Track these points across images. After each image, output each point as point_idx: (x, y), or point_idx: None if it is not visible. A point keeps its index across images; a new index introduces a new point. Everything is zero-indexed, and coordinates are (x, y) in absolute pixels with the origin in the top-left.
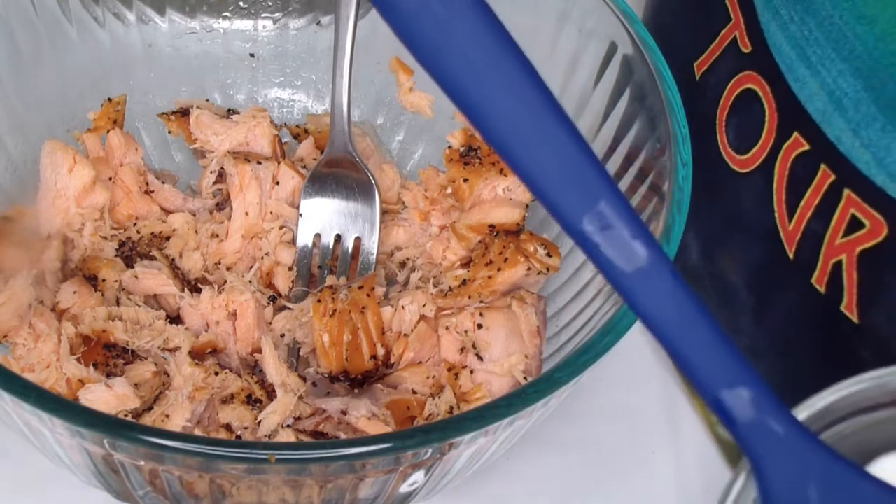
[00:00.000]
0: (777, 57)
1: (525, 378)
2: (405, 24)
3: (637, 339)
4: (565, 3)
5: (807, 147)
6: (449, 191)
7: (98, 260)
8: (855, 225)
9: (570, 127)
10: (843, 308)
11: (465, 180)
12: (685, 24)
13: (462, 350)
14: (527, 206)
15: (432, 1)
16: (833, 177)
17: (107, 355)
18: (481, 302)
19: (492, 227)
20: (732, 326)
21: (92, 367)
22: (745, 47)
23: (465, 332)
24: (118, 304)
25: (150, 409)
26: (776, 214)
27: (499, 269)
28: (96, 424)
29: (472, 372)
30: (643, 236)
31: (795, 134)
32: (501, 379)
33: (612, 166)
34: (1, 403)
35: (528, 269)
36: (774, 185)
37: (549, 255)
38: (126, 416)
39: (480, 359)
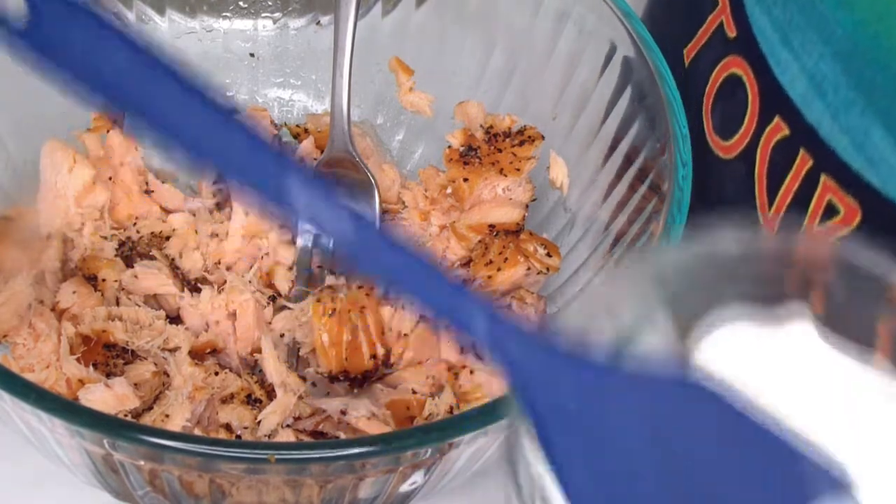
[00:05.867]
0: (761, 41)
1: None
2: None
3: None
4: (565, 3)
5: (787, 132)
6: (449, 191)
7: (98, 260)
8: (831, 212)
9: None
10: None
11: (465, 180)
12: (678, 10)
13: (462, 350)
14: (527, 206)
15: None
16: (811, 162)
17: (107, 355)
18: None
19: (492, 226)
20: None
21: (92, 367)
22: (731, 32)
23: None
24: (118, 303)
25: (150, 408)
26: (757, 202)
27: (499, 269)
28: (96, 424)
29: (472, 372)
30: (344, 208)
31: (776, 118)
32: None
33: (612, 166)
34: (1, 403)
35: (528, 268)
36: (756, 171)
37: (548, 254)
38: (126, 416)
39: (480, 358)
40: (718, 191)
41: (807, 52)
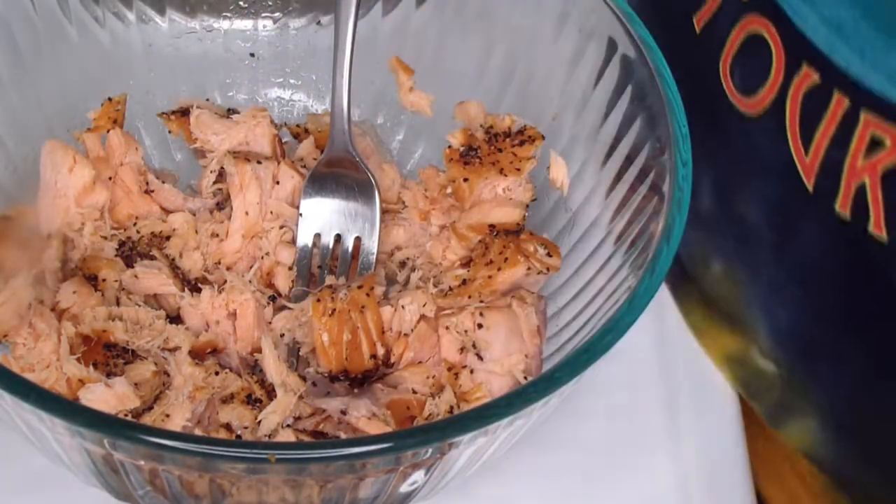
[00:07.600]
0: None
1: (525, 377)
2: None
3: (637, 339)
4: (565, 3)
5: (817, 79)
6: (449, 190)
7: (98, 259)
8: (875, 145)
9: None
10: (870, 229)
11: (466, 180)
12: None
13: (462, 350)
14: (527, 205)
15: None
16: (847, 102)
17: (107, 355)
18: (481, 302)
19: (492, 226)
20: (750, 263)
21: (92, 367)
22: None
23: (466, 331)
24: (118, 303)
25: (151, 408)
26: (792, 149)
27: (499, 269)
28: (96, 424)
29: (472, 371)
30: None
31: (804, 67)
32: (501, 378)
33: (613, 166)
34: (1, 403)
35: (528, 268)
36: (787, 121)
37: (549, 254)
38: (126, 415)
39: (480, 358)
40: (746, 147)
41: (823, 2)
